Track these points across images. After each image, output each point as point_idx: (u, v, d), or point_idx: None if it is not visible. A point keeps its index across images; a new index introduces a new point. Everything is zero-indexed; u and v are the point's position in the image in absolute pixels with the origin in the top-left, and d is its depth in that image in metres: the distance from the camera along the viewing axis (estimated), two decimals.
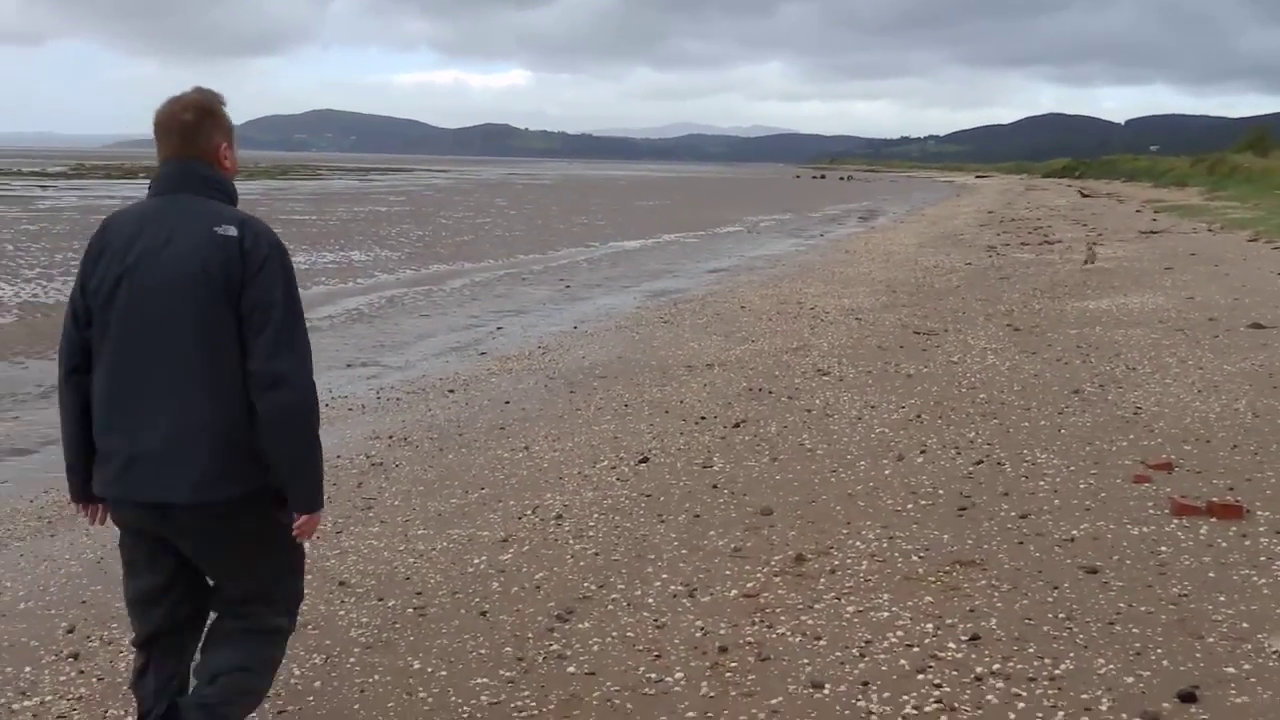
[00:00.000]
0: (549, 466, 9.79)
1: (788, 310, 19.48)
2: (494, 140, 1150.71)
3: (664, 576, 7.02)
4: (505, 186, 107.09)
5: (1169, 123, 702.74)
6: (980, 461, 9.37)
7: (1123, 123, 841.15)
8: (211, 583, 4.44)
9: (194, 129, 4.23)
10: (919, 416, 11.13)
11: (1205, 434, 10.03)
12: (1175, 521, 7.66)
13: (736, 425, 10.99)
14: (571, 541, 7.74)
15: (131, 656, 4.81)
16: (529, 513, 8.41)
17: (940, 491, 8.57)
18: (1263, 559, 6.92)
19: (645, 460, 9.80)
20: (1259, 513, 7.79)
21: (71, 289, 4.31)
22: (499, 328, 19.24)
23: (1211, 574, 6.70)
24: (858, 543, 7.47)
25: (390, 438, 11.21)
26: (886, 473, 9.17)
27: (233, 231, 4.08)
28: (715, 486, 8.94)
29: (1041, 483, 8.69)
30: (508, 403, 12.64)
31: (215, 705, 4.28)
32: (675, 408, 11.91)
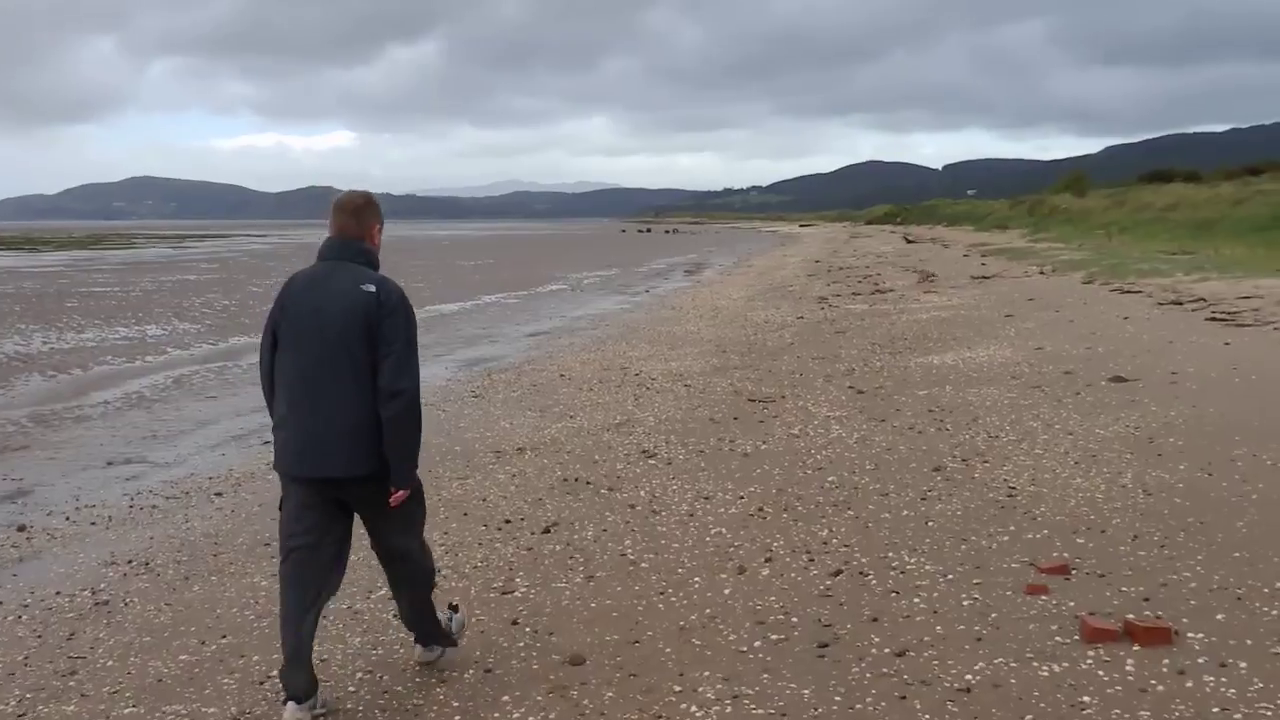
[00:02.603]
0: None
1: (610, 377, 17.81)
2: (318, 203, 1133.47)
3: None
4: None
5: (985, 166, 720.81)
6: (839, 571, 7.72)
7: (940, 168, 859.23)
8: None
9: (357, 212, 6.00)
10: (761, 510, 9.48)
11: (1097, 520, 8.53)
12: (1091, 653, 6.05)
13: (547, 530, 9.24)
14: None
15: None
16: (274, 674, 6.52)
17: (794, 619, 6.88)
18: (1215, 709, 5.33)
19: (433, 587, 7.99)
20: (1190, 634, 6.23)
21: (266, 323, 5.95)
22: None
23: None
24: (694, 707, 5.72)
25: (129, 563, 9.19)
26: (726, 592, 7.47)
27: (372, 289, 5.73)
28: (515, 623, 7.17)
29: (917, 600, 7.06)
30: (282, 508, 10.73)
31: None
32: (476, 508, 10.12)
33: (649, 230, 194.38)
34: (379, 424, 5.68)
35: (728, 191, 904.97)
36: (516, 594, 7.75)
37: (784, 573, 7.79)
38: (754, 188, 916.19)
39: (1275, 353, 15.90)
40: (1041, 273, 35.57)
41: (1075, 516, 8.68)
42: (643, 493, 10.32)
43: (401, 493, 5.83)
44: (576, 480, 10.92)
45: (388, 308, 5.72)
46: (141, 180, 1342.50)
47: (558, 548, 8.75)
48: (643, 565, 8.20)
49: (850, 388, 15.46)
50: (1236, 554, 7.54)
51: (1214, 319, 20.42)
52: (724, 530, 8.94)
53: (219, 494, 11.57)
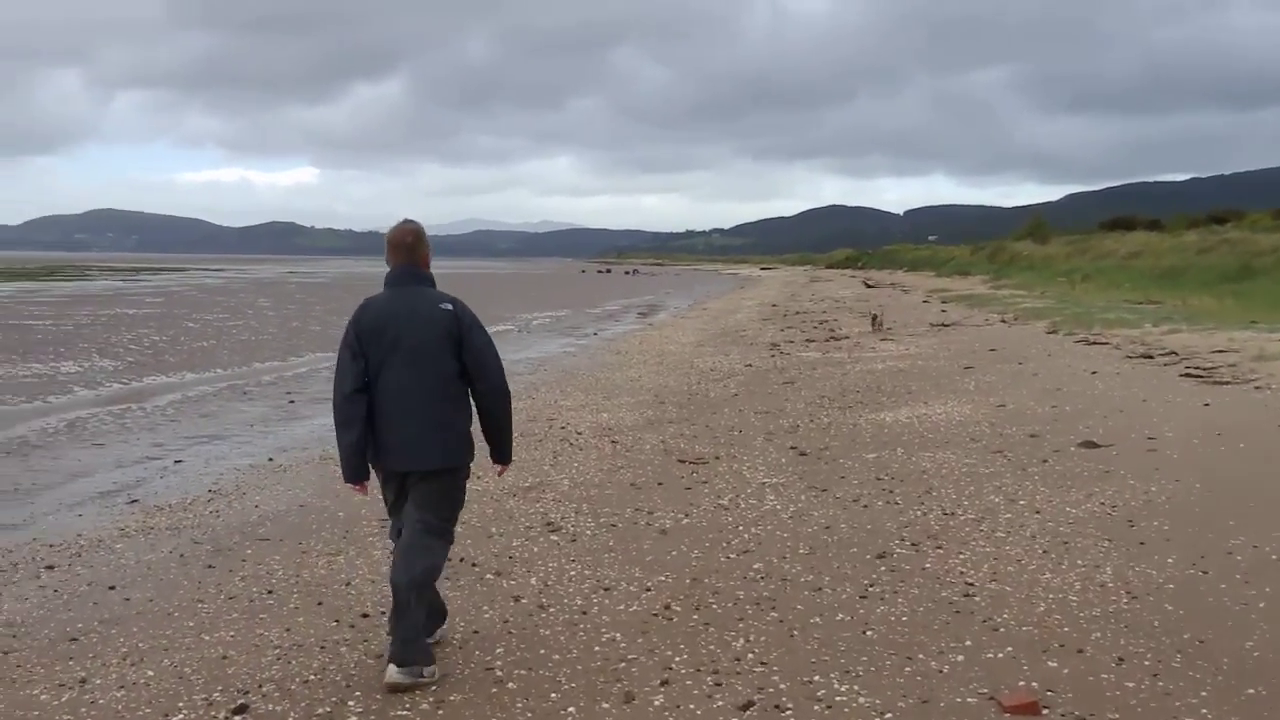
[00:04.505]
0: None
1: (534, 430, 16.16)
2: (281, 238, 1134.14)
3: None
4: (276, 286, 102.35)
5: (946, 213, 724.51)
6: (749, 703, 6.12)
7: (902, 213, 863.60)
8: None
9: (412, 246, 6.99)
10: (667, 608, 7.90)
11: (1073, 634, 6.98)
12: None
13: None
14: None
15: None
16: None
17: None
18: None
19: (243, 710, 6.37)
20: None
21: (344, 342, 6.82)
22: (178, 461, 15.47)
23: None
24: None
25: None
26: None
27: (449, 307, 6.83)
28: None
29: None
30: (112, 588, 9.06)
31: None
32: (335, 595, 8.51)
33: (609, 271, 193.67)
34: (462, 422, 6.86)
35: (690, 233, 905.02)
36: None
37: (681, 702, 6.19)
38: (716, 230, 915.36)
39: (1261, 416, 14.41)
40: (1003, 321, 34.23)
41: (1046, 627, 7.13)
42: (534, 580, 8.72)
43: (503, 466, 7.28)
44: (461, 560, 9.28)
45: (466, 323, 6.81)
46: (104, 213, 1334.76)
47: None
48: (510, 685, 6.59)
49: (792, 449, 13.91)
50: (1251, 690, 5.99)
51: (1189, 375, 18.98)
52: (618, 636, 7.35)
53: (50, 567, 9.88)
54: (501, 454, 7.15)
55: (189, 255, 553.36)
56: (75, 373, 27.77)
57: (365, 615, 8.00)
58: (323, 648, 7.38)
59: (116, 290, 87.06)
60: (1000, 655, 6.69)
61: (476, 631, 7.53)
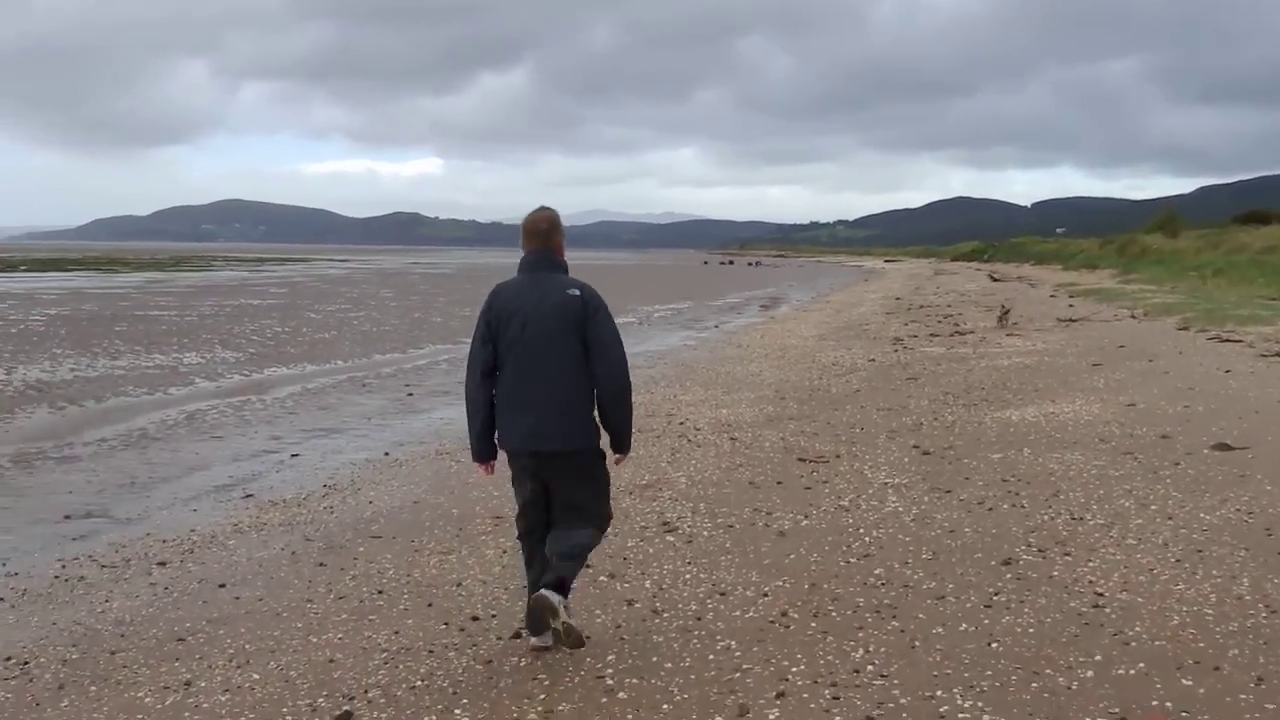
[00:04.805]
0: None
1: (652, 426, 15.95)
2: (404, 229, 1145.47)
3: None
4: (399, 276, 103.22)
5: (1074, 205, 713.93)
6: (868, 719, 5.87)
7: (1029, 205, 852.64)
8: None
9: (547, 233, 7.16)
10: (784, 614, 7.66)
11: (1209, 650, 6.64)
12: None
13: (517, 635, 7.43)
14: None
15: None
16: None
17: None
18: None
19: (347, 717, 6.24)
20: None
21: (477, 327, 7.08)
22: (294, 455, 15.49)
23: None
24: None
25: (7, 660, 7.51)
26: None
27: (576, 293, 6.96)
28: None
29: None
30: (222, 586, 9.02)
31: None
32: (446, 596, 8.39)
33: (731, 262, 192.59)
34: (586, 407, 7.00)
35: (814, 225, 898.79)
36: None
37: (797, 717, 5.96)
38: (840, 221, 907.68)
39: None
40: (1133, 316, 33.41)
41: (1179, 642, 6.80)
42: (648, 583, 8.53)
43: (621, 456, 7.24)
44: None
45: (592, 307, 6.94)
46: (231, 203, 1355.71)
47: (522, 662, 6.98)
48: (620, 695, 6.40)
49: (915, 447, 13.58)
50: None
51: None
52: (733, 644, 7.13)
53: (162, 564, 9.88)
54: (620, 444, 7.19)
55: (313, 245, 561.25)
56: (197, 364, 28.09)
57: (475, 618, 7.87)
58: (431, 652, 7.25)
59: (241, 281, 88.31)
60: (1132, 671, 6.38)
61: (589, 637, 7.32)
